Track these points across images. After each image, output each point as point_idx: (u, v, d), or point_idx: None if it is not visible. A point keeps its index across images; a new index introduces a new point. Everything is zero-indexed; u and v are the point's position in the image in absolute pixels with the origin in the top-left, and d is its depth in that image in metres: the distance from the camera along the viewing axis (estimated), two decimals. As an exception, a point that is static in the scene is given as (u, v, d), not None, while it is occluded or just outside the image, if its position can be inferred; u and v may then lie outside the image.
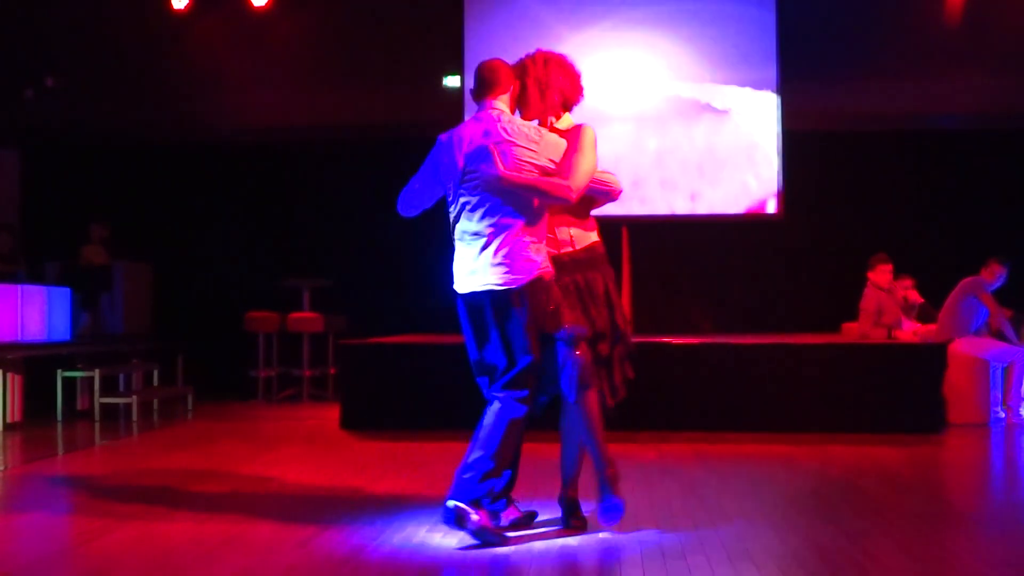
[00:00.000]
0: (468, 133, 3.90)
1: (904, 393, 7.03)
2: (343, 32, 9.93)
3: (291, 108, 10.15)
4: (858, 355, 7.26)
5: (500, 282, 3.80)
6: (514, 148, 3.79)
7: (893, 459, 5.93)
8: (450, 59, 9.52)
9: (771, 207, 9.01)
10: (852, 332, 8.47)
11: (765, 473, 5.55)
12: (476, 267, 3.87)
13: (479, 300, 3.89)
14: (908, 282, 8.89)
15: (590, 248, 4.09)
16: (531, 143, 3.83)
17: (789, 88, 8.98)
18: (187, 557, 3.57)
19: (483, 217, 3.85)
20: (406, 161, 9.79)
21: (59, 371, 7.87)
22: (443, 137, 4.05)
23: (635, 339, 8.00)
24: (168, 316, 9.93)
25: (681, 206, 9.06)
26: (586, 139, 3.92)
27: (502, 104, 3.95)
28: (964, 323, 7.81)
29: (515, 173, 3.76)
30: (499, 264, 3.80)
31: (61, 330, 8.21)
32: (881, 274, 8.27)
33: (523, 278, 3.78)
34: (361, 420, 7.17)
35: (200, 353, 9.45)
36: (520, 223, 3.81)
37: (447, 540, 3.82)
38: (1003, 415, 7.66)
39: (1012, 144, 9.78)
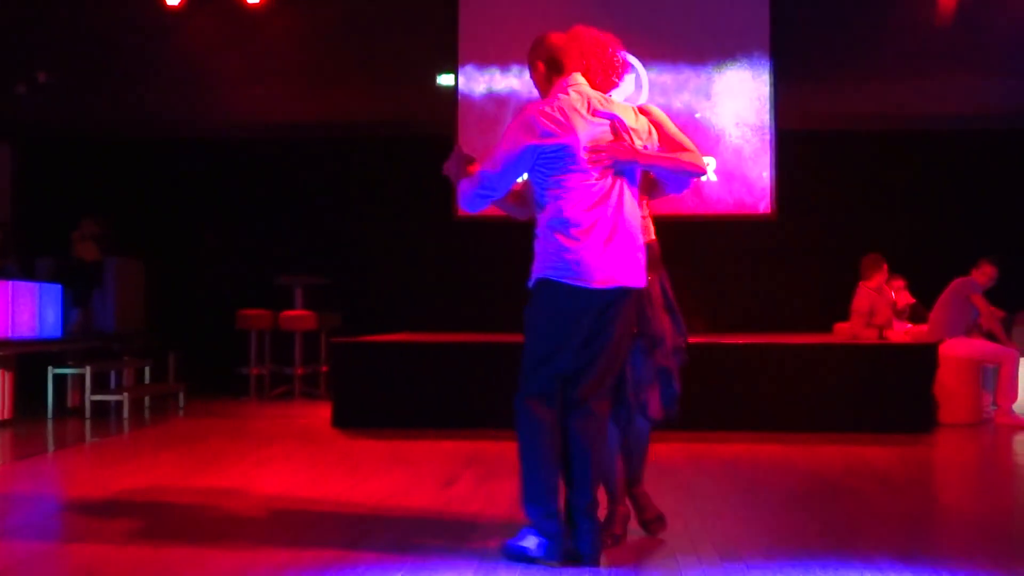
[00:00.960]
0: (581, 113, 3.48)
1: (895, 393, 7.04)
2: (338, 29, 9.90)
3: (285, 104, 10.14)
4: (850, 355, 7.28)
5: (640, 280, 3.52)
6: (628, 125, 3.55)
7: (884, 459, 5.94)
8: (444, 58, 9.51)
9: (764, 207, 9.02)
10: (844, 332, 8.48)
11: (757, 473, 5.56)
12: (629, 260, 3.47)
13: (612, 297, 3.45)
14: (900, 283, 8.91)
15: (650, 245, 3.76)
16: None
17: (782, 87, 8.98)
18: (176, 556, 3.56)
19: (637, 204, 3.55)
20: (400, 159, 9.99)
21: (50, 368, 7.85)
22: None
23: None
24: (160, 313, 9.91)
25: (674, 206, 9.05)
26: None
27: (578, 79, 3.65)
28: (955, 324, 7.83)
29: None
30: (640, 259, 3.52)
31: (52, 326, 8.19)
32: (874, 275, 8.28)
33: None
34: (353, 418, 7.17)
35: (192, 350, 9.44)
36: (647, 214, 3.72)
37: (435, 542, 3.81)
38: (992, 413, 7.67)
39: (1004, 145, 9.81)
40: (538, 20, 9.09)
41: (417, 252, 9.98)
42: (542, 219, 3.49)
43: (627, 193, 3.47)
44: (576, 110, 3.45)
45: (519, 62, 9.13)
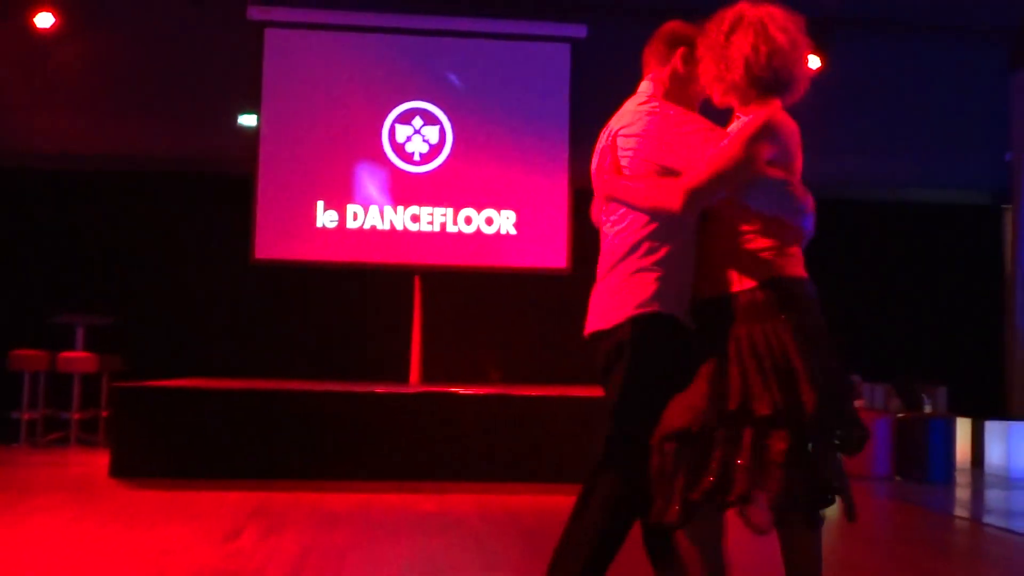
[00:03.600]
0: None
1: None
2: (136, 63, 9.61)
3: (73, 135, 9.69)
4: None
5: None
6: (630, 141, 2.89)
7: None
8: (247, 97, 9.35)
9: (560, 262, 9.26)
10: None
11: (545, 525, 5.64)
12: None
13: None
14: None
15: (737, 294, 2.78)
16: (650, 135, 2.85)
17: (578, 148, 9.29)
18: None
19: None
20: (195, 197, 9.70)
21: None
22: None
23: (423, 388, 8.08)
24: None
25: (474, 257, 9.18)
26: (753, 129, 2.69)
27: (645, 87, 3.03)
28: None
29: (613, 176, 2.91)
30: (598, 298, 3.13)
31: None
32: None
33: None
34: (133, 467, 6.84)
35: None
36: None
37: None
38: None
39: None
40: (342, 64, 9.15)
41: (210, 294, 9.68)
42: (648, 250, 2.90)
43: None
44: None
45: (324, 104, 9.09)
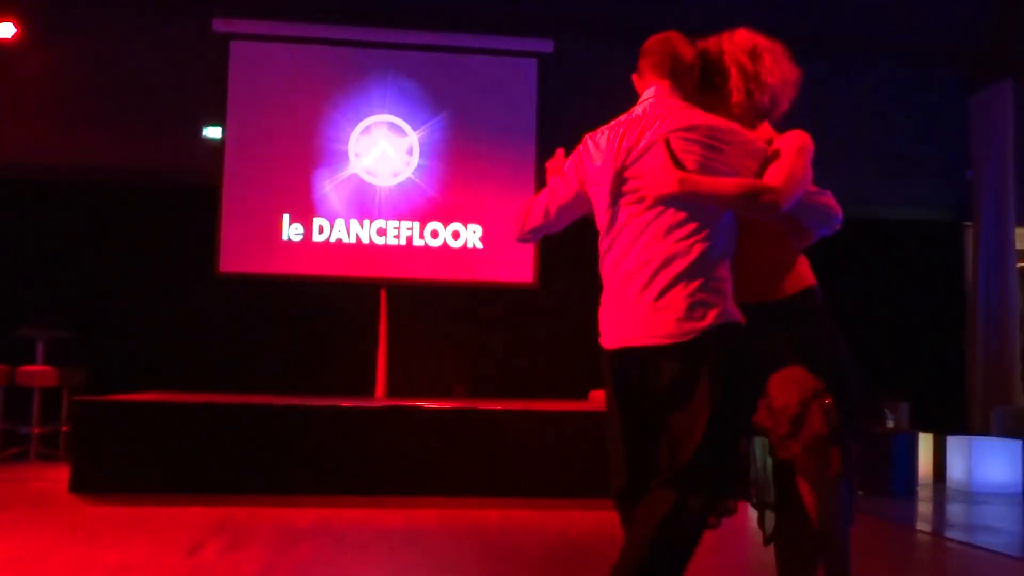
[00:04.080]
0: (630, 127, 2.85)
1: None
2: (99, 74, 9.53)
3: (37, 147, 9.57)
4: (601, 423, 7.51)
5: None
6: (696, 146, 2.74)
7: (630, 524, 6.15)
8: (212, 109, 9.29)
9: (527, 276, 9.27)
10: (599, 400, 8.79)
11: (509, 539, 5.63)
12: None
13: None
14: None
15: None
16: (720, 140, 2.76)
17: (544, 160, 9.31)
18: None
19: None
20: (160, 209, 9.62)
21: None
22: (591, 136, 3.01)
23: (388, 402, 8.05)
24: None
25: (440, 271, 9.17)
26: (802, 142, 2.83)
27: (668, 91, 2.91)
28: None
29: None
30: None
31: None
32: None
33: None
34: (94, 482, 6.75)
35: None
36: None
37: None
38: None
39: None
40: (308, 77, 9.13)
41: (173, 308, 9.59)
42: (708, 254, 2.77)
43: None
44: None
45: (290, 116, 9.06)
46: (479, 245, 9.22)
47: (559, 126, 9.44)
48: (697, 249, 2.71)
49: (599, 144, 2.91)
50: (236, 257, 8.97)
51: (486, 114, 9.28)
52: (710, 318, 2.68)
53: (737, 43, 2.92)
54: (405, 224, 9.10)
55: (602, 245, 2.92)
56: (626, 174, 2.81)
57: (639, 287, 2.76)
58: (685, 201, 2.71)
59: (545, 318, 9.91)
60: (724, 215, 2.76)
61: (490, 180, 9.24)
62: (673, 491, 2.69)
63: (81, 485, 6.75)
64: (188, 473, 6.85)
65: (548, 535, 5.72)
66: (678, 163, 2.71)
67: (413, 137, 9.19)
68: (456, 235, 9.16)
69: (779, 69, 2.91)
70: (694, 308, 2.68)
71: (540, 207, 3.11)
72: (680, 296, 2.69)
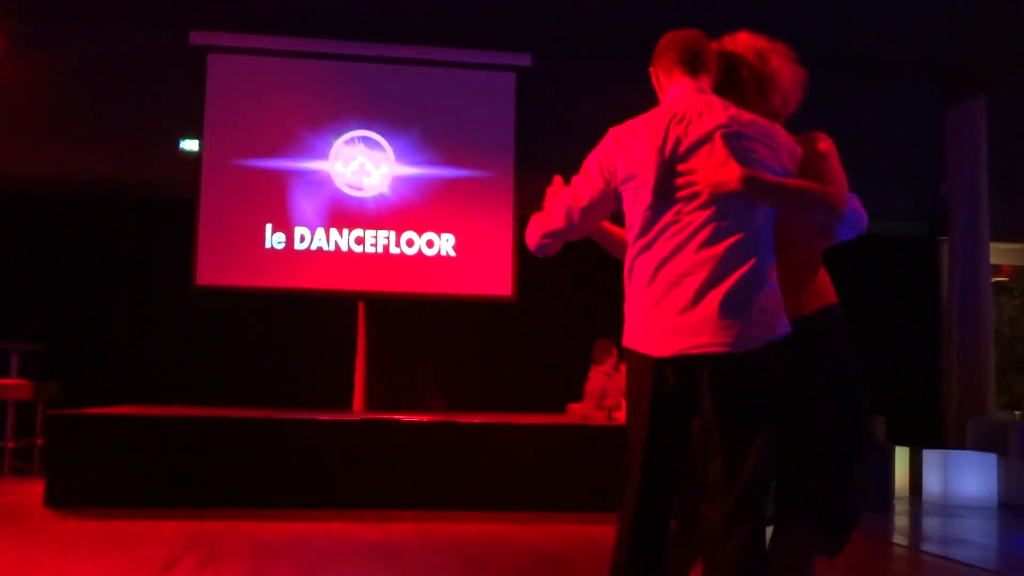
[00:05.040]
0: (676, 119, 2.69)
1: (621, 472, 7.32)
2: (76, 86, 9.47)
3: (13, 159, 9.48)
4: (580, 436, 7.53)
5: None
6: (749, 143, 2.62)
7: (607, 537, 6.13)
8: (189, 121, 9.26)
9: (505, 290, 9.28)
10: (576, 413, 8.79)
11: (486, 552, 5.62)
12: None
13: None
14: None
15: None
16: (768, 139, 2.65)
17: (525, 176, 9.32)
18: None
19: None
20: (137, 221, 9.57)
21: None
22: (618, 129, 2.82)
23: (366, 415, 8.03)
24: None
25: (419, 284, 9.16)
26: (832, 145, 2.79)
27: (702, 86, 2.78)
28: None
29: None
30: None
31: None
32: (605, 359, 8.67)
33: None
34: (68, 497, 6.68)
35: None
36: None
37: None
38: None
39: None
40: (286, 90, 9.12)
41: (149, 321, 9.54)
42: (765, 259, 2.66)
43: None
44: None
45: (268, 129, 9.04)
46: (458, 259, 9.22)
47: (537, 140, 9.47)
48: (756, 253, 2.60)
49: (638, 136, 2.71)
50: (213, 270, 8.94)
51: (465, 128, 9.30)
52: (777, 327, 2.60)
53: (743, 45, 2.85)
54: (383, 236, 9.09)
55: (638, 243, 2.72)
56: (679, 167, 2.63)
57: (697, 290, 2.58)
58: (739, 202, 2.57)
59: (523, 331, 9.91)
60: (767, 222, 2.64)
61: (469, 194, 9.25)
62: (740, 519, 2.55)
63: (55, 499, 6.68)
64: (164, 487, 6.80)
65: (525, 548, 5.71)
66: (740, 159, 2.57)
67: (392, 150, 9.19)
68: (435, 248, 9.16)
69: (786, 70, 2.85)
70: (764, 314, 2.57)
71: (560, 210, 2.91)
72: (749, 302, 2.56)
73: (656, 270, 2.66)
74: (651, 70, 2.86)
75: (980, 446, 8.88)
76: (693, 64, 2.75)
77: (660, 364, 2.65)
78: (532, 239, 3.02)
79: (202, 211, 8.93)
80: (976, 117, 10.14)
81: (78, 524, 6.05)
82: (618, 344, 9.36)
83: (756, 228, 2.61)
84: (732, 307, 2.55)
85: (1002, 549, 6.59)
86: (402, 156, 9.19)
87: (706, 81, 2.76)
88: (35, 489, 7.10)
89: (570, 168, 10.02)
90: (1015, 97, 10.24)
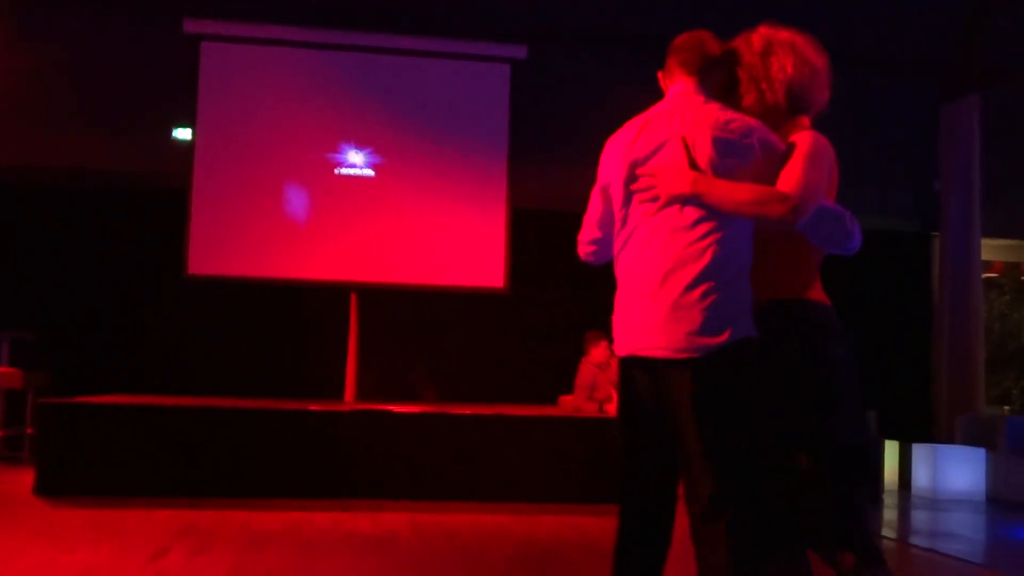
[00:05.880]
0: (648, 123, 2.74)
1: (611, 464, 7.33)
2: (68, 74, 9.44)
3: (3, 147, 9.48)
4: (570, 427, 7.55)
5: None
6: (715, 145, 2.60)
7: (598, 528, 6.17)
8: (182, 110, 9.23)
9: (497, 281, 9.27)
10: (567, 405, 8.80)
11: (477, 543, 5.62)
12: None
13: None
14: (620, 359, 9.35)
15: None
16: (743, 140, 2.61)
17: (518, 168, 9.32)
18: None
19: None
20: (128, 210, 9.54)
21: None
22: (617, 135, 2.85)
23: (358, 406, 8.04)
24: None
25: (411, 275, 9.15)
26: (812, 146, 2.67)
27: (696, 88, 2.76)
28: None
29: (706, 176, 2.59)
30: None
31: None
32: (596, 350, 8.67)
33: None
34: (59, 486, 6.67)
35: None
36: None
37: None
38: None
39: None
40: (280, 79, 9.09)
41: (140, 310, 9.52)
42: (725, 261, 2.60)
43: None
44: None
45: (262, 118, 9.01)
46: (450, 250, 9.20)
47: (532, 132, 9.47)
48: (711, 253, 2.56)
49: (616, 141, 2.80)
50: (204, 259, 8.91)
51: (459, 119, 9.28)
52: (726, 333, 2.54)
53: (752, 43, 2.81)
54: (376, 227, 9.07)
55: (616, 245, 2.77)
56: (639, 171, 2.67)
57: (651, 292, 2.61)
58: (701, 205, 2.58)
59: (515, 323, 9.92)
60: (735, 224, 2.61)
61: (462, 185, 9.23)
62: (713, 536, 2.52)
63: (46, 488, 6.67)
64: (154, 477, 6.79)
65: (516, 539, 5.72)
66: (694, 163, 2.59)
67: (386, 141, 9.16)
68: (427, 239, 9.14)
69: (794, 62, 2.76)
70: (709, 320, 2.53)
71: (591, 221, 2.92)
72: (695, 305, 2.54)
73: (625, 273, 2.72)
74: (659, 75, 2.88)
75: (969, 441, 8.92)
76: (690, 64, 2.75)
77: (627, 364, 2.71)
78: (580, 248, 3.02)
79: (194, 200, 8.89)
80: (970, 115, 10.17)
81: (68, 513, 6.04)
82: (610, 336, 9.38)
83: (721, 229, 2.58)
84: (678, 313, 2.55)
85: (989, 543, 6.62)
86: (396, 147, 9.17)
87: (709, 81, 2.74)
88: (25, 478, 7.09)
89: (562, 161, 10.10)
90: (1009, 95, 10.27)
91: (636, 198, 2.68)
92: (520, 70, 9.40)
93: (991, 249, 10.81)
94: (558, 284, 10.11)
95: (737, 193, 2.55)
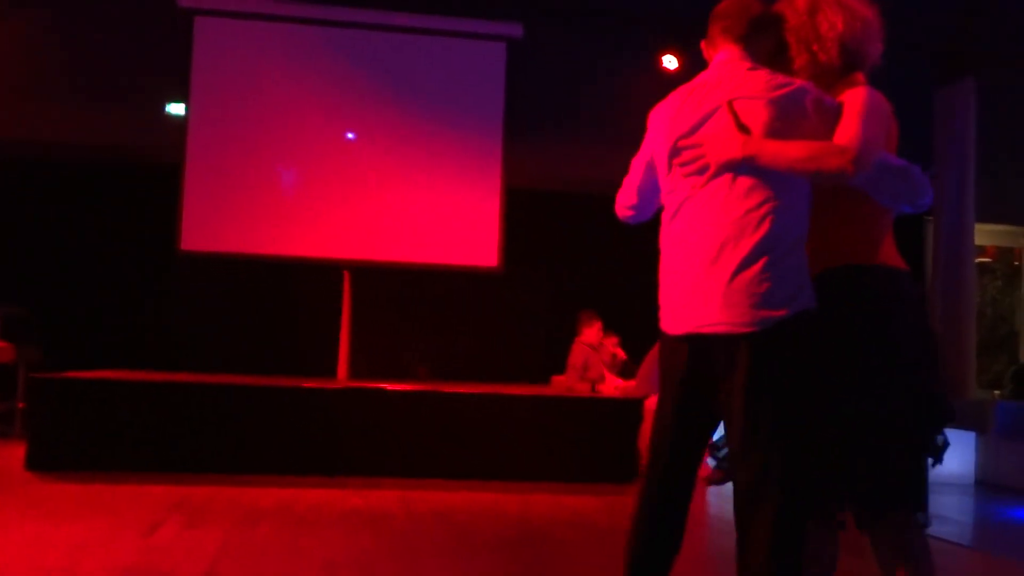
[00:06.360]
0: (693, 92, 2.66)
1: (604, 444, 7.39)
2: (61, 48, 9.37)
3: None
4: (562, 407, 7.56)
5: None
6: (765, 109, 2.52)
7: (589, 507, 6.20)
8: (176, 85, 9.17)
9: (491, 260, 9.26)
10: (560, 385, 8.82)
11: (469, 521, 5.64)
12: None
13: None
14: (614, 339, 9.39)
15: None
16: (796, 103, 2.53)
17: (513, 146, 9.30)
18: None
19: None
20: (120, 185, 9.51)
21: None
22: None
23: (350, 384, 8.02)
24: None
25: (405, 254, 9.13)
26: (866, 100, 2.59)
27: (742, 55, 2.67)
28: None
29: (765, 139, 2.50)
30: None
31: None
32: (589, 331, 8.69)
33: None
34: (51, 460, 6.67)
35: None
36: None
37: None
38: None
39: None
40: (275, 54, 9.03)
41: (133, 285, 9.50)
42: (783, 231, 2.51)
43: None
44: None
45: (256, 94, 8.95)
46: (444, 229, 9.18)
47: (527, 110, 9.44)
48: (768, 223, 2.47)
49: (661, 111, 2.72)
50: (198, 235, 8.88)
51: (454, 97, 9.24)
52: (787, 306, 2.46)
53: (796, 4, 2.73)
54: (370, 205, 9.04)
55: (664, 219, 2.68)
56: (687, 141, 2.59)
57: (706, 266, 2.51)
58: (754, 169, 2.48)
59: (509, 302, 9.92)
60: (801, 184, 2.52)
61: (456, 163, 9.21)
62: (756, 509, 2.46)
63: (38, 463, 6.66)
64: (147, 452, 6.79)
65: (508, 517, 5.74)
66: (743, 128, 2.51)
67: (380, 117, 9.12)
68: (421, 218, 9.12)
69: (844, 17, 2.69)
70: (769, 294, 2.44)
71: (631, 187, 2.86)
72: (754, 279, 2.45)
73: (674, 247, 2.62)
74: (702, 44, 2.78)
75: (959, 425, 8.95)
76: (734, 31, 2.66)
77: (676, 343, 2.61)
78: (618, 209, 2.95)
79: (188, 176, 8.85)
80: (965, 98, 10.15)
81: (60, 488, 6.04)
82: (603, 316, 9.41)
83: (777, 198, 2.49)
84: (737, 285, 2.46)
85: (978, 525, 6.67)
86: (391, 125, 9.13)
87: (755, 47, 2.66)
88: (17, 452, 7.09)
89: (557, 141, 10.05)
90: (1004, 79, 10.25)
91: (683, 170, 2.60)
92: (516, 49, 9.35)
93: (984, 234, 10.82)
94: (552, 264, 10.12)
95: (790, 150, 2.46)
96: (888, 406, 2.53)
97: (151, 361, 8.94)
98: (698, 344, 2.55)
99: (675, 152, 2.62)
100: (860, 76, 2.74)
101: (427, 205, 9.12)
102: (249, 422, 6.97)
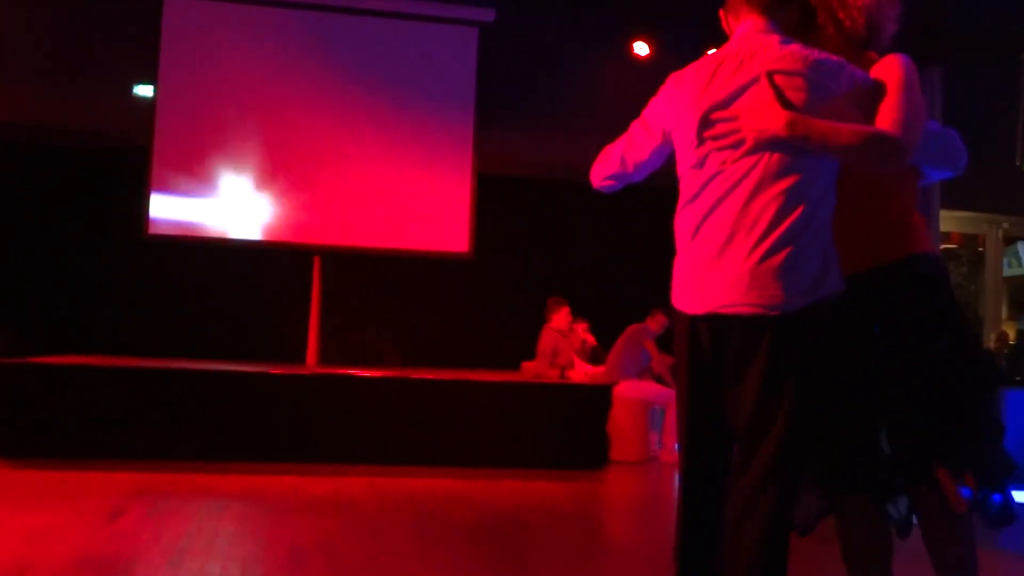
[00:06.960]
0: (724, 62, 2.52)
1: (572, 431, 7.40)
2: (25, 26, 9.22)
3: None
4: (532, 393, 7.56)
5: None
6: (808, 84, 2.41)
7: (558, 493, 6.21)
8: (143, 68, 9.06)
9: (462, 246, 9.23)
10: (530, 371, 8.82)
11: (438, 507, 5.63)
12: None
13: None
14: (583, 324, 9.39)
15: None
16: (833, 79, 2.43)
17: (485, 132, 9.26)
18: None
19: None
20: (86, 168, 9.36)
21: None
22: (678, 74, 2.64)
23: (319, 370, 7.98)
24: None
25: (375, 239, 9.08)
26: (903, 72, 2.49)
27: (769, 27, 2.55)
28: (629, 367, 8.35)
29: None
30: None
31: None
32: (558, 317, 8.69)
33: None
34: (12, 447, 6.59)
35: None
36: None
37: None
38: (658, 451, 8.24)
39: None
40: (245, 37, 8.94)
41: (99, 270, 9.38)
42: (813, 213, 2.43)
43: None
44: None
45: (225, 77, 8.86)
46: (415, 214, 9.14)
47: (498, 97, 9.40)
48: (803, 203, 2.37)
49: (684, 82, 2.56)
50: (165, 220, 8.78)
51: (426, 82, 9.19)
52: (815, 290, 2.37)
53: None
54: (340, 191, 8.98)
55: (683, 195, 2.55)
56: (719, 114, 2.46)
57: (732, 246, 2.41)
58: (790, 147, 2.36)
59: (479, 288, 9.90)
60: (831, 164, 2.42)
61: (427, 149, 9.16)
62: (759, 495, 2.37)
63: (0, 450, 6.59)
64: (111, 439, 6.72)
65: (477, 504, 5.74)
66: (787, 103, 2.37)
67: (351, 101, 9.05)
68: (392, 203, 9.07)
69: None
70: (798, 277, 2.35)
71: (616, 155, 2.76)
72: (786, 259, 2.35)
73: (699, 225, 2.49)
74: (720, 13, 2.65)
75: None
76: (758, 1, 2.53)
77: (695, 322, 2.50)
78: (594, 177, 2.85)
79: (155, 159, 8.75)
80: (931, 87, 10.21)
81: (22, 474, 5.98)
82: (572, 302, 9.40)
83: (808, 178, 2.39)
84: (771, 266, 2.36)
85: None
86: (362, 109, 9.06)
87: (780, 18, 2.55)
88: (-21, 438, 7.01)
89: (529, 128, 10.02)
90: (971, 67, 10.33)
91: (716, 143, 2.47)
92: (488, 34, 9.31)
93: (949, 220, 10.91)
94: (522, 250, 10.09)
95: (842, 136, 2.33)
96: (944, 369, 2.51)
97: (117, 347, 8.85)
98: (719, 324, 2.44)
99: (706, 124, 2.48)
100: (872, 55, 2.67)
101: (398, 190, 9.07)
102: (217, 408, 6.92)
